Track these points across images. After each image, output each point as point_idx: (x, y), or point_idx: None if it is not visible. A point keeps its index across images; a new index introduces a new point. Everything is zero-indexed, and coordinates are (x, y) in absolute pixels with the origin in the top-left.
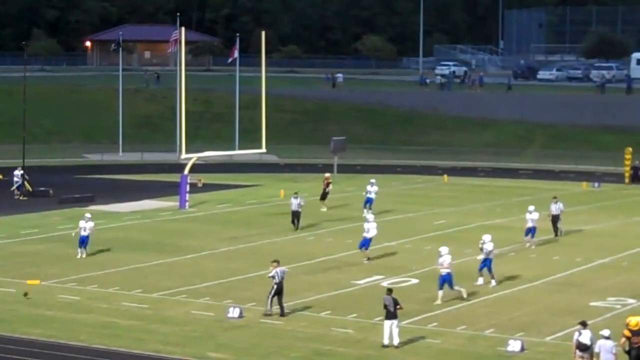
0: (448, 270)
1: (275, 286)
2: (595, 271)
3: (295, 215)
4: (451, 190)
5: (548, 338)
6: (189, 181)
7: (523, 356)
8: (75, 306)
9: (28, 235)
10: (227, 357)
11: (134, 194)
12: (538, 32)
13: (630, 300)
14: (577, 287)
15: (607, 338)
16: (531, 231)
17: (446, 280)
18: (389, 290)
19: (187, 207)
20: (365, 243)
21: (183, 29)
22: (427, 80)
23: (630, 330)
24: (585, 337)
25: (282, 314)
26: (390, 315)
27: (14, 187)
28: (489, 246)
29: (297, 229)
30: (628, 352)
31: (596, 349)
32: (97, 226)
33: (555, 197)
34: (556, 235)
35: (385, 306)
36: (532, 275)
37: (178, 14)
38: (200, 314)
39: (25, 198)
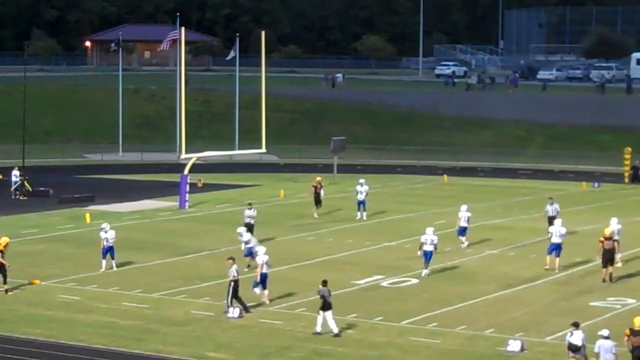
0: (431, 249)
1: (232, 284)
2: (595, 271)
3: (249, 228)
4: (451, 190)
5: (548, 338)
6: (188, 181)
7: (523, 356)
8: (75, 306)
9: (28, 235)
10: (227, 357)
11: (133, 194)
12: (538, 32)
13: (630, 300)
14: (577, 287)
15: (607, 338)
16: (462, 232)
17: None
18: (324, 282)
19: (187, 207)
20: (249, 253)
21: (183, 28)
22: (455, 81)
23: (631, 330)
24: (576, 338)
25: (247, 310)
26: (327, 305)
27: (13, 187)
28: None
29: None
30: (631, 352)
31: (595, 349)
32: (97, 226)
33: (551, 198)
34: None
35: (322, 297)
36: (532, 275)
37: (178, 13)
38: (200, 314)
39: (25, 198)
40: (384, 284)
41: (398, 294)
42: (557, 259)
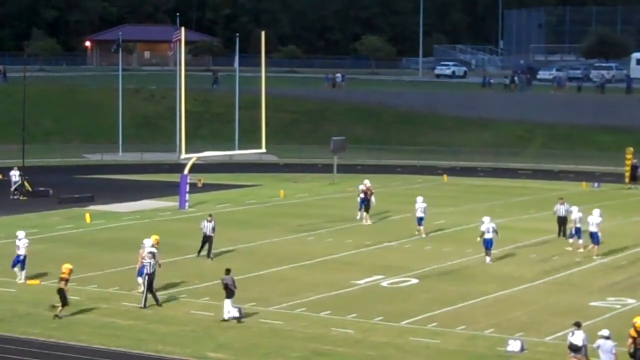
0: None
1: (147, 277)
2: (595, 271)
3: (207, 240)
4: (451, 190)
5: (547, 338)
6: (188, 181)
7: (522, 356)
8: (75, 306)
9: (28, 235)
10: (227, 357)
11: (133, 194)
12: (538, 32)
13: (630, 300)
14: (577, 287)
15: (607, 338)
16: (419, 220)
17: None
18: (228, 271)
19: (186, 207)
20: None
21: (183, 28)
22: (491, 81)
23: (637, 331)
24: (577, 338)
25: (158, 304)
26: (231, 294)
27: (13, 187)
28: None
29: (200, 254)
30: (633, 355)
31: (595, 349)
32: (97, 226)
33: (561, 199)
34: (560, 235)
35: (227, 286)
36: (532, 275)
37: (178, 13)
38: (200, 314)
39: (24, 198)
40: (384, 284)
41: (398, 294)
42: (596, 247)
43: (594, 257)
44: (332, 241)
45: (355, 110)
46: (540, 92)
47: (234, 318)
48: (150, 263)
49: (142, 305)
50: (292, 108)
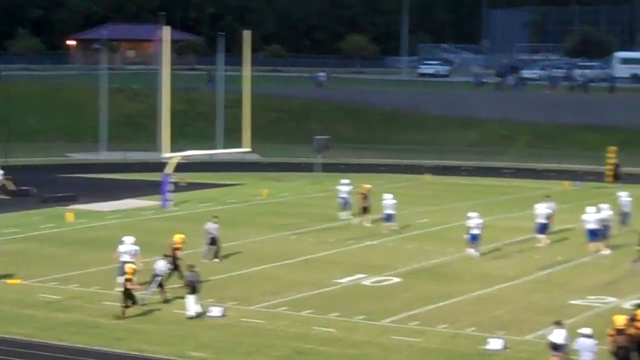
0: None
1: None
2: (576, 270)
3: (213, 242)
4: (434, 189)
5: (529, 336)
6: (171, 180)
7: (504, 355)
8: (57, 305)
9: (9, 235)
10: (209, 356)
11: (116, 193)
12: (521, 32)
13: (610, 299)
14: (558, 285)
15: (588, 336)
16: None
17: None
18: (191, 267)
19: (169, 206)
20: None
21: (169, 27)
22: (484, 80)
23: (616, 329)
24: (557, 336)
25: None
26: (193, 290)
27: None
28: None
29: (215, 257)
30: (615, 353)
31: (576, 348)
32: (80, 225)
33: (548, 196)
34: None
35: (190, 282)
36: (513, 274)
37: (162, 12)
38: (182, 312)
39: (7, 197)
40: (366, 282)
41: (380, 292)
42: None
43: (603, 252)
44: (314, 240)
45: (340, 109)
46: (524, 92)
47: (199, 314)
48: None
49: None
50: (277, 107)
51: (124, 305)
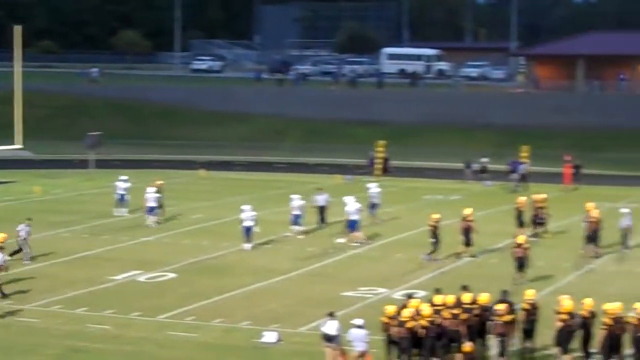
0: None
1: None
2: (348, 262)
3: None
4: (208, 185)
5: (302, 328)
6: None
7: (278, 347)
8: None
9: None
10: None
11: None
12: (292, 28)
13: (381, 290)
14: (331, 277)
15: (360, 327)
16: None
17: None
18: None
19: None
20: None
21: None
22: (263, 76)
23: (396, 319)
24: (329, 327)
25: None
26: None
27: None
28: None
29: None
30: (394, 342)
31: (349, 338)
32: None
33: (320, 189)
34: (321, 223)
35: None
36: (287, 267)
37: None
38: None
39: None
40: (141, 279)
41: (155, 288)
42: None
43: (355, 244)
44: (89, 237)
45: (112, 105)
46: (300, 87)
47: None
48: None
49: None
50: (48, 103)
51: None
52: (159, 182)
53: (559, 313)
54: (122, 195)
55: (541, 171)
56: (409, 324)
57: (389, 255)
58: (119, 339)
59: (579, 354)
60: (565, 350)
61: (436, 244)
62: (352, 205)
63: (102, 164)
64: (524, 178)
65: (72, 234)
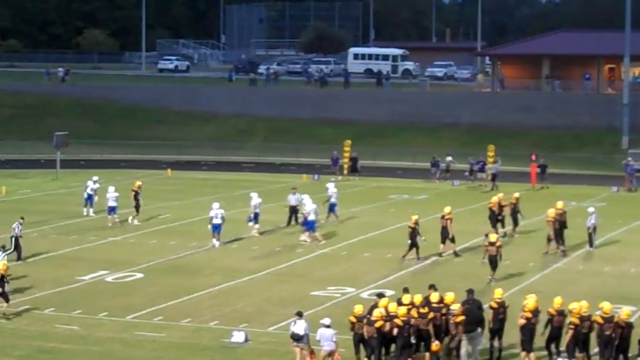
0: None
1: None
2: (317, 261)
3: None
4: (175, 184)
5: (270, 328)
6: None
7: (247, 347)
8: None
9: None
10: None
11: None
12: (258, 27)
13: (349, 289)
14: (299, 277)
15: (328, 327)
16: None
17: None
18: None
19: None
20: None
21: None
22: (234, 77)
23: (366, 318)
24: (299, 327)
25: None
26: None
27: None
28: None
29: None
30: (363, 341)
31: (317, 337)
32: None
33: (294, 189)
34: (289, 224)
35: None
36: (255, 267)
37: None
38: None
39: None
40: (109, 279)
41: (123, 288)
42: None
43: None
44: (56, 237)
45: (78, 105)
46: (263, 87)
47: None
48: None
49: None
50: (12, 103)
51: None
52: (138, 184)
53: (523, 311)
54: (90, 196)
55: (508, 170)
56: (378, 324)
57: (357, 254)
58: (87, 340)
59: (544, 352)
60: (529, 349)
61: (413, 245)
62: (309, 206)
63: (68, 164)
64: (494, 178)
65: (40, 234)
